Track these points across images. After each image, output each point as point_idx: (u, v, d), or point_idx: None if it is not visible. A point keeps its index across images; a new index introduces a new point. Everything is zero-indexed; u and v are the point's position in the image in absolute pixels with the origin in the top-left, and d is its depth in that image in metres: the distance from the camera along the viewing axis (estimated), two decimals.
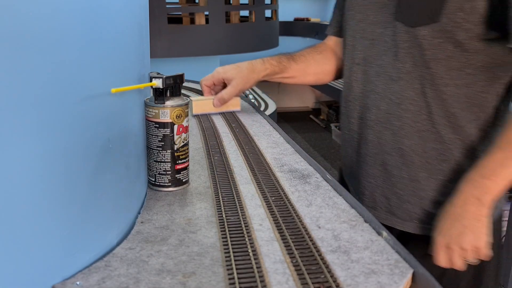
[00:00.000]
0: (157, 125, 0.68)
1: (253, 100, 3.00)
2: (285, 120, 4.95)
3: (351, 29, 0.93)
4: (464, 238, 0.76)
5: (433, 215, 0.83)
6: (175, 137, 0.69)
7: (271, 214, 0.63)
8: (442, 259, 0.79)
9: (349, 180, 1.01)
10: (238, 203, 0.66)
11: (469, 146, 0.83)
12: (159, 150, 0.69)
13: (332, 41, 1.12)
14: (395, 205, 0.88)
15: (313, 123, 5.06)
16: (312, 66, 1.09)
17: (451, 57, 0.78)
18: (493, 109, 0.82)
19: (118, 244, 0.55)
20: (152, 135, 0.69)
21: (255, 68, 1.07)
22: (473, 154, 0.83)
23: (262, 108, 2.84)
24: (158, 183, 0.71)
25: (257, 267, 0.50)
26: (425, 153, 0.84)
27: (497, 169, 0.75)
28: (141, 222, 0.61)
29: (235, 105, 1.21)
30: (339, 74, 1.11)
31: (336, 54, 1.10)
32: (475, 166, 0.78)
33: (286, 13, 4.14)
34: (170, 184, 0.71)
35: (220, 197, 0.68)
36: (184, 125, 0.70)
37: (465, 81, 0.79)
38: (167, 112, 0.67)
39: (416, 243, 0.85)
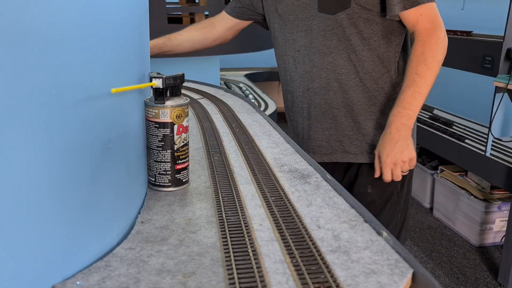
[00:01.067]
0: (157, 125, 0.68)
1: (253, 100, 3.00)
2: (285, 120, 4.95)
3: (289, 26, 1.21)
4: (404, 154, 1.10)
5: (374, 146, 1.16)
6: (175, 137, 0.69)
7: (271, 214, 0.63)
8: (389, 175, 1.12)
9: (303, 143, 1.26)
10: (238, 203, 0.66)
11: (386, 92, 1.17)
12: (159, 150, 0.69)
13: (223, 19, 1.42)
14: (347, 145, 1.20)
15: None
16: (189, 41, 1.42)
17: (362, 31, 1.12)
18: (395, 63, 1.16)
19: (118, 244, 0.55)
20: (152, 135, 0.69)
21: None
22: (390, 96, 1.17)
23: (262, 108, 2.84)
24: (158, 183, 0.71)
25: (257, 267, 0.50)
26: (359, 101, 1.17)
27: (411, 101, 1.08)
28: (141, 222, 0.61)
29: None
30: (209, 45, 1.46)
31: (216, 28, 1.42)
32: (396, 103, 1.10)
33: None
34: (170, 184, 0.71)
35: (220, 197, 0.68)
36: (184, 125, 0.70)
37: (373, 46, 1.14)
38: (167, 112, 0.67)
39: (367, 170, 1.20)
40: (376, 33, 1.13)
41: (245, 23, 1.41)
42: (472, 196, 2.46)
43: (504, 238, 2.19)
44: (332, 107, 1.18)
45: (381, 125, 1.16)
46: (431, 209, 2.87)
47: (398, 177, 1.12)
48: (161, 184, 0.71)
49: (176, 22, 2.20)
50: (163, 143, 0.69)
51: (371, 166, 1.18)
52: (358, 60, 1.14)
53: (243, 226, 0.59)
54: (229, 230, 0.58)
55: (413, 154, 1.11)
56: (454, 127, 2.80)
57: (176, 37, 1.40)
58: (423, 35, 1.09)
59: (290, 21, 1.20)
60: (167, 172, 0.70)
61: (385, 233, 0.57)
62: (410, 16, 1.09)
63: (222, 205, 0.65)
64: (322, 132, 1.21)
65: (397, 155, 1.09)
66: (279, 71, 1.32)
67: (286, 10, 1.21)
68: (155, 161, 0.70)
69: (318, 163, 1.11)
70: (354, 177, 1.22)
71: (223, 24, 1.42)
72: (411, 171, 1.21)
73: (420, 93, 1.08)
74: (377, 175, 1.14)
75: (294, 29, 1.20)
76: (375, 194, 1.20)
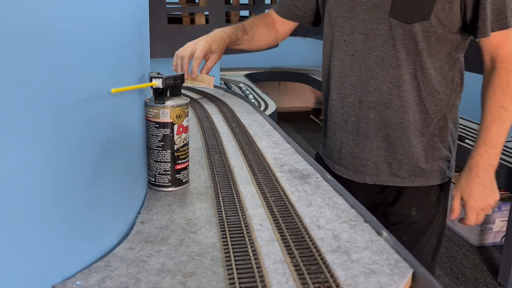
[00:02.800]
0: (157, 125, 0.68)
1: (253, 100, 3.00)
2: (285, 120, 4.94)
3: (339, 25, 1.07)
4: (492, 198, 1.02)
5: (422, 169, 1.08)
6: (175, 137, 0.69)
7: (271, 214, 0.63)
8: (474, 219, 1.04)
9: (339, 158, 1.14)
10: (238, 203, 0.66)
11: (443, 114, 1.07)
12: (159, 150, 0.69)
13: (277, 18, 1.28)
14: (396, 168, 1.08)
15: (313, 123, 5.05)
16: (257, 40, 1.28)
17: (432, 47, 1.01)
18: (456, 84, 1.06)
19: (118, 244, 0.55)
20: (152, 135, 0.69)
21: (222, 38, 1.19)
22: (444, 119, 1.07)
23: (262, 108, 2.84)
24: (158, 183, 0.71)
25: (257, 267, 0.50)
26: (415, 122, 1.05)
27: (498, 139, 1.00)
28: (141, 222, 0.61)
29: (209, 81, 1.18)
30: (272, 45, 1.36)
31: (277, 29, 1.29)
32: (480, 140, 1.02)
33: None
34: (170, 184, 0.71)
35: (220, 197, 0.68)
36: (184, 125, 0.70)
37: (439, 64, 1.03)
38: (167, 112, 0.67)
39: (413, 192, 1.10)
40: (444, 50, 1.02)
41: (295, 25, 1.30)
42: None
43: (504, 238, 2.19)
44: (387, 126, 1.05)
45: (430, 148, 1.07)
46: None
47: (481, 221, 1.05)
48: (161, 184, 0.71)
49: (176, 22, 2.20)
50: (163, 143, 0.69)
51: (416, 189, 1.09)
52: (423, 78, 1.02)
53: (243, 226, 0.59)
54: (229, 230, 0.58)
55: (498, 196, 1.03)
56: None
57: (250, 31, 1.25)
58: (506, 62, 0.98)
59: (344, 17, 1.06)
60: (167, 172, 0.70)
61: (385, 233, 0.57)
62: (494, 38, 0.98)
63: (222, 205, 0.65)
64: (370, 152, 1.07)
65: (487, 200, 1.02)
66: (323, 69, 1.19)
67: (341, 4, 1.06)
68: (155, 161, 0.70)
69: (347, 179, 1.09)
70: (394, 197, 1.10)
71: (285, 30, 1.29)
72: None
73: (506, 129, 0.99)
74: (454, 217, 1.07)
75: (348, 29, 1.05)
76: (419, 216, 1.10)
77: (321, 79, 1.23)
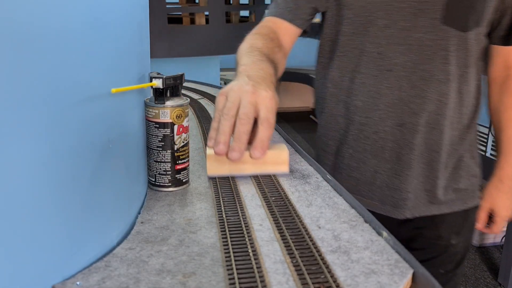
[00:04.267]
0: (157, 125, 0.68)
1: None
2: (285, 120, 4.95)
3: (372, 35, 0.88)
4: None
5: (460, 190, 0.98)
6: (175, 137, 0.69)
7: (271, 214, 0.63)
8: (500, 229, 1.01)
9: (371, 191, 0.97)
10: (238, 203, 0.66)
11: (475, 129, 0.99)
12: (159, 150, 0.69)
13: (285, 29, 0.96)
14: (433, 194, 0.95)
15: (313, 123, 5.06)
16: (279, 69, 0.93)
17: (478, 57, 0.92)
18: (481, 93, 0.98)
19: (118, 244, 0.55)
20: (152, 135, 0.69)
21: (273, 82, 0.78)
22: (473, 134, 0.99)
23: None
24: (158, 183, 0.71)
25: (257, 267, 0.50)
26: (452, 141, 0.94)
27: None
28: (141, 222, 0.61)
29: (283, 160, 0.75)
30: None
31: (283, 45, 0.96)
32: (505, 150, 0.98)
33: None
34: (170, 184, 0.71)
35: (220, 197, 0.68)
36: (184, 125, 0.70)
37: (475, 74, 0.93)
38: (167, 112, 0.67)
39: (450, 219, 0.99)
40: (478, 60, 0.93)
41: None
42: None
43: (504, 238, 2.19)
44: (432, 150, 0.92)
45: (465, 167, 0.98)
46: None
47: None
48: (161, 184, 0.71)
49: (176, 22, 2.20)
50: (163, 143, 0.69)
51: (454, 214, 1.00)
52: (466, 92, 0.92)
53: (243, 226, 0.59)
54: (229, 230, 0.58)
55: None
56: None
57: (275, 60, 0.88)
58: None
59: (378, 25, 0.88)
60: (167, 172, 0.70)
61: (385, 233, 0.57)
62: None
63: (222, 205, 0.65)
64: (411, 181, 0.93)
65: None
66: (331, 86, 0.97)
67: (371, 11, 0.88)
68: (155, 161, 0.70)
69: (380, 215, 0.93)
70: (430, 228, 1.01)
71: (292, 40, 0.99)
72: None
73: None
74: (480, 228, 1.03)
75: (384, 39, 0.88)
76: (459, 244, 1.02)
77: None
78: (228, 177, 0.76)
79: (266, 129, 0.68)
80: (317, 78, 1.04)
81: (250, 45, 0.87)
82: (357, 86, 0.92)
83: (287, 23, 0.96)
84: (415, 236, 1.00)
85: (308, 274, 0.48)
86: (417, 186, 0.94)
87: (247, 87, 0.69)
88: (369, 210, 0.92)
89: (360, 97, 0.92)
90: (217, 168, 0.73)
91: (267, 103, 0.68)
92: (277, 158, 0.75)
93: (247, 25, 2.34)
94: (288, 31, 0.97)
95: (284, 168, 0.76)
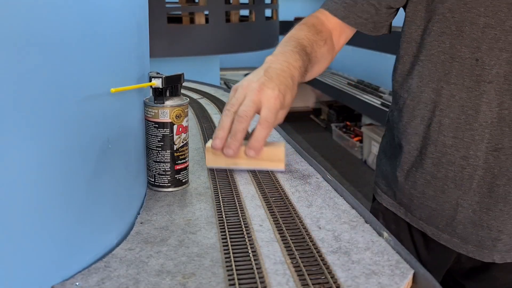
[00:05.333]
0: (157, 125, 0.68)
1: None
2: (285, 120, 4.95)
3: (469, 36, 0.73)
4: None
5: None
6: (175, 137, 0.69)
7: (271, 215, 0.63)
8: None
9: (449, 225, 0.81)
10: (238, 203, 0.66)
11: None
12: (158, 150, 0.69)
13: (338, 26, 0.86)
14: None
15: (313, 123, 5.05)
16: (318, 66, 0.85)
17: None
18: None
19: (117, 244, 0.55)
20: (152, 135, 0.68)
21: (294, 79, 0.73)
22: None
23: None
24: (158, 184, 0.71)
25: (257, 268, 0.49)
26: None
27: None
28: (141, 223, 0.61)
29: (278, 157, 0.76)
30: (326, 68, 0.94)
31: (333, 43, 0.88)
32: None
33: (286, 12, 4.14)
34: (169, 184, 0.71)
35: (220, 197, 0.68)
36: (184, 125, 0.70)
37: None
38: (166, 112, 0.67)
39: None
40: None
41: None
42: None
43: None
44: None
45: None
46: None
47: None
48: (160, 184, 0.71)
49: (175, 21, 2.20)
50: (162, 143, 0.68)
51: None
52: None
53: (243, 226, 0.59)
54: (229, 231, 0.58)
55: None
56: None
57: (312, 54, 0.81)
58: None
59: (478, 27, 0.72)
60: (167, 173, 0.70)
61: (385, 234, 0.57)
62: None
63: (222, 206, 0.65)
64: (505, 218, 0.77)
65: None
66: (399, 96, 0.84)
67: (470, 6, 0.72)
68: (154, 161, 0.70)
69: (461, 256, 0.80)
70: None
71: (343, 41, 0.89)
72: None
73: None
74: None
75: (485, 43, 0.72)
76: None
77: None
78: (228, 177, 0.76)
79: (263, 129, 0.69)
80: (394, 87, 0.88)
81: (291, 35, 0.81)
82: (444, 99, 0.76)
83: (339, 20, 0.85)
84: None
85: (309, 275, 0.48)
86: (507, 223, 0.78)
87: (254, 85, 0.69)
88: (449, 249, 0.81)
89: (447, 113, 0.76)
90: (215, 160, 0.78)
91: (270, 103, 0.68)
92: (273, 156, 0.77)
93: (247, 24, 2.34)
94: (339, 29, 0.86)
95: (280, 166, 0.77)
